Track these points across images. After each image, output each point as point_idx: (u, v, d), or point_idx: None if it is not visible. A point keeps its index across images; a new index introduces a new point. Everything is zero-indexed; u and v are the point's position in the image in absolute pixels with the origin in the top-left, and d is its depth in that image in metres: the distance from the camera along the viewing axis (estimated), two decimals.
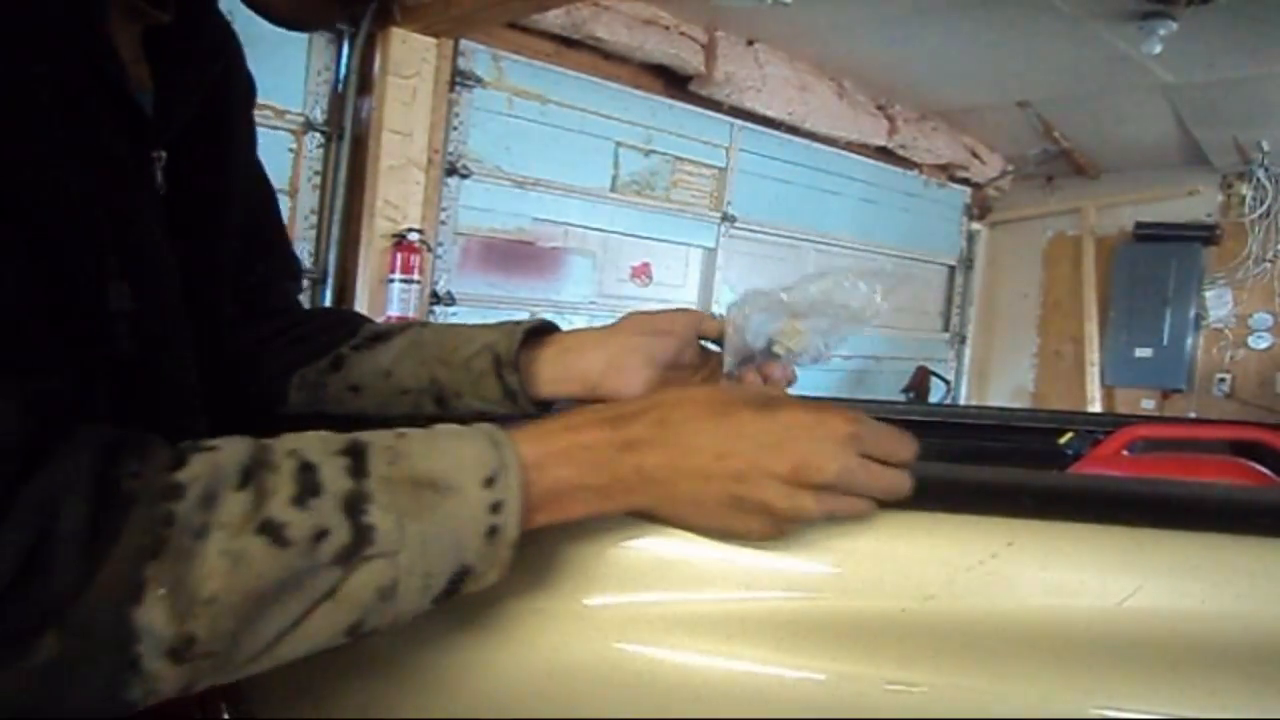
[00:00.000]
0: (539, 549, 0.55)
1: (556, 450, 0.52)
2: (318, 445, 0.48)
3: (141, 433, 0.45)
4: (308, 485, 0.45)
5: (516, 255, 3.79)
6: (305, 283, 3.34)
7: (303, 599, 0.45)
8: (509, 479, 0.49)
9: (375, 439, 0.49)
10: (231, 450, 0.46)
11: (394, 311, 3.27)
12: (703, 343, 0.80)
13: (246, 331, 0.81)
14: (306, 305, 0.92)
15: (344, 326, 0.84)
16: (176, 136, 0.64)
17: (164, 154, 0.63)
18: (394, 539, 0.46)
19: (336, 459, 0.47)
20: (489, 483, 0.49)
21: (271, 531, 0.44)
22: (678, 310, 0.79)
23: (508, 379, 0.77)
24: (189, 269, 0.64)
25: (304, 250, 3.33)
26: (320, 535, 0.45)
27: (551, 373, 0.78)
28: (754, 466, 0.52)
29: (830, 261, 5.17)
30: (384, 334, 0.83)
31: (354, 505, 0.46)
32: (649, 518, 0.54)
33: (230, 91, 0.74)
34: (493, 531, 0.49)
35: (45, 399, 0.45)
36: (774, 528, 0.52)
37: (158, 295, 0.59)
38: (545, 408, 0.80)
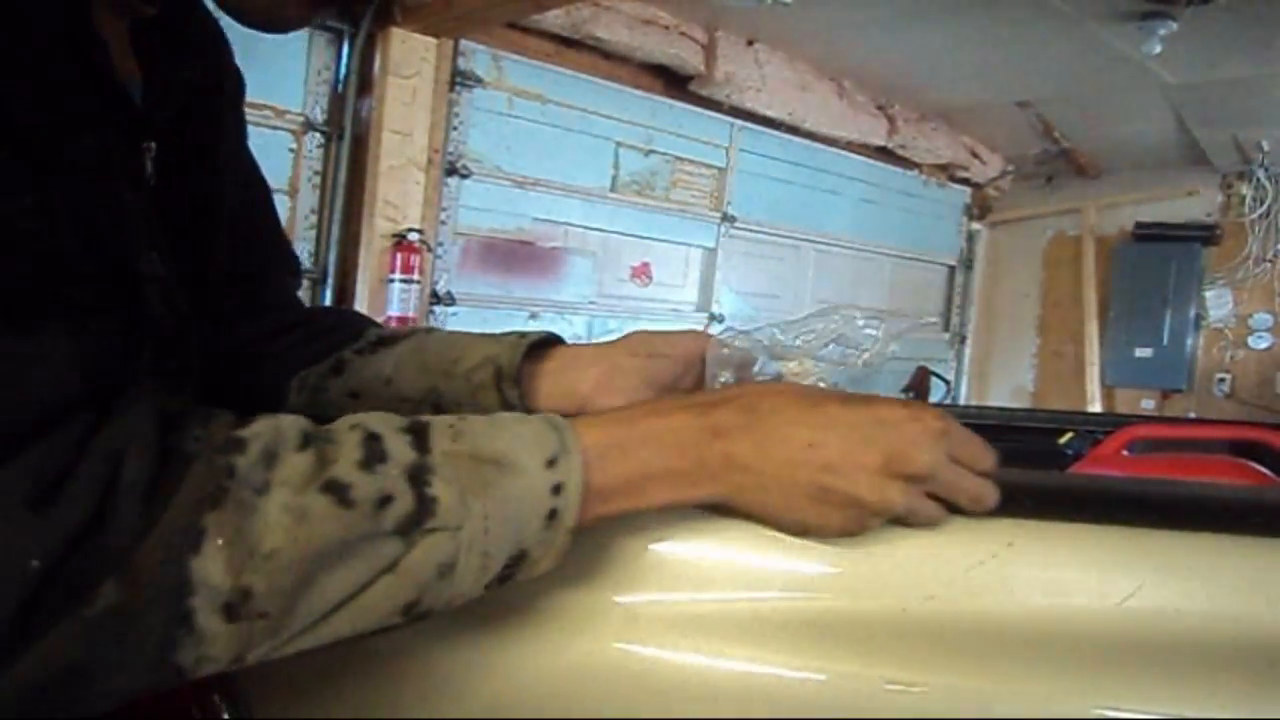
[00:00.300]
0: None
1: (638, 435, 0.52)
2: (380, 420, 0.48)
3: (200, 405, 0.46)
4: (374, 452, 0.45)
5: (516, 255, 3.79)
6: (305, 282, 3.34)
7: (364, 568, 0.44)
8: (570, 462, 0.49)
9: (437, 419, 0.49)
10: (292, 419, 0.46)
11: (394, 311, 3.27)
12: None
13: (245, 324, 0.81)
14: (307, 305, 0.92)
15: (347, 329, 0.84)
16: (165, 129, 0.65)
17: (153, 145, 0.63)
18: (457, 513, 0.46)
19: (399, 433, 0.47)
20: (551, 464, 0.48)
21: (337, 491, 0.44)
22: (683, 332, 0.78)
23: (507, 393, 0.76)
24: (181, 260, 0.65)
25: (304, 250, 3.33)
26: (385, 500, 0.44)
27: (549, 388, 0.78)
28: (845, 457, 0.51)
29: (830, 262, 5.17)
30: (387, 339, 0.82)
31: (417, 476, 0.46)
32: (726, 509, 0.54)
33: (218, 86, 0.74)
34: (552, 515, 0.48)
35: (99, 351, 0.45)
36: (857, 522, 0.52)
37: (141, 280, 0.59)
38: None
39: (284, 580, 0.42)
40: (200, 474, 0.42)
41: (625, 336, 0.79)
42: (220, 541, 0.41)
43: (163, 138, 0.64)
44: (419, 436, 0.47)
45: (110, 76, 0.57)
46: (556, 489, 0.48)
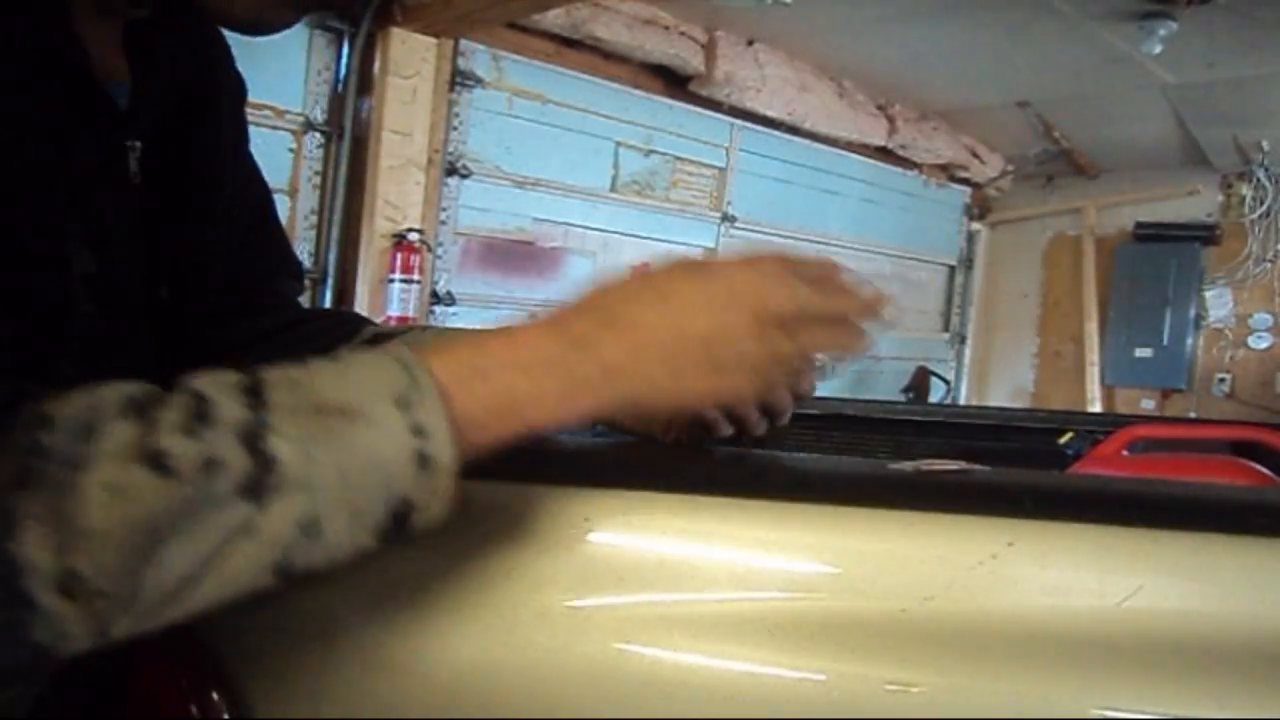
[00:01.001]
0: (538, 548, 0.55)
1: (495, 360, 0.50)
2: (212, 380, 0.46)
3: (40, 386, 0.45)
4: (198, 414, 0.44)
5: (516, 255, 3.79)
6: (305, 283, 3.34)
7: (210, 536, 0.43)
8: (426, 400, 0.47)
9: (275, 372, 0.47)
10: (118, 388, 0.45)
11: (394, 311, 3.27)
12: None
13: (244, 325, 0.81)
14: (307, 306, 0.92)
15: (343, 328, 0.83)
16: (154, 128, 0.65)
17: (138, 144, 0.63)
18: (302, 470, 0.44)
19: (233, 392, 0.45)
20: (402, 405, 0.47)
21: (155, 461, 0.42)
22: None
23: None
24: (168, 257, 0.65)
25: (304, 250, 3.33)
26: (211, 464, 0.43)
27: None
28: (717, 326, 0.52)
29: None
30: (383, 336, 0.82)
31: (251, 435, 0.44)
32: (618, 422, 0.54)
33: (215, 88, 0.74)
34: (423, 458, 0.47)
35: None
36: (760, 380, 0.54)
37: (118, 275, 0.60)
38: None
39: (112, 559, 0.41)
40: (5, 454, 0.41)
41: None
42: (31, 522, 0.40)
43: (152, 138, 0.65)
44: (253, 394, 0.45)
45: (87, 75, 0.58)
46: (417, 430, 0.46)
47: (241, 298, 0.81)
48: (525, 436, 0.51)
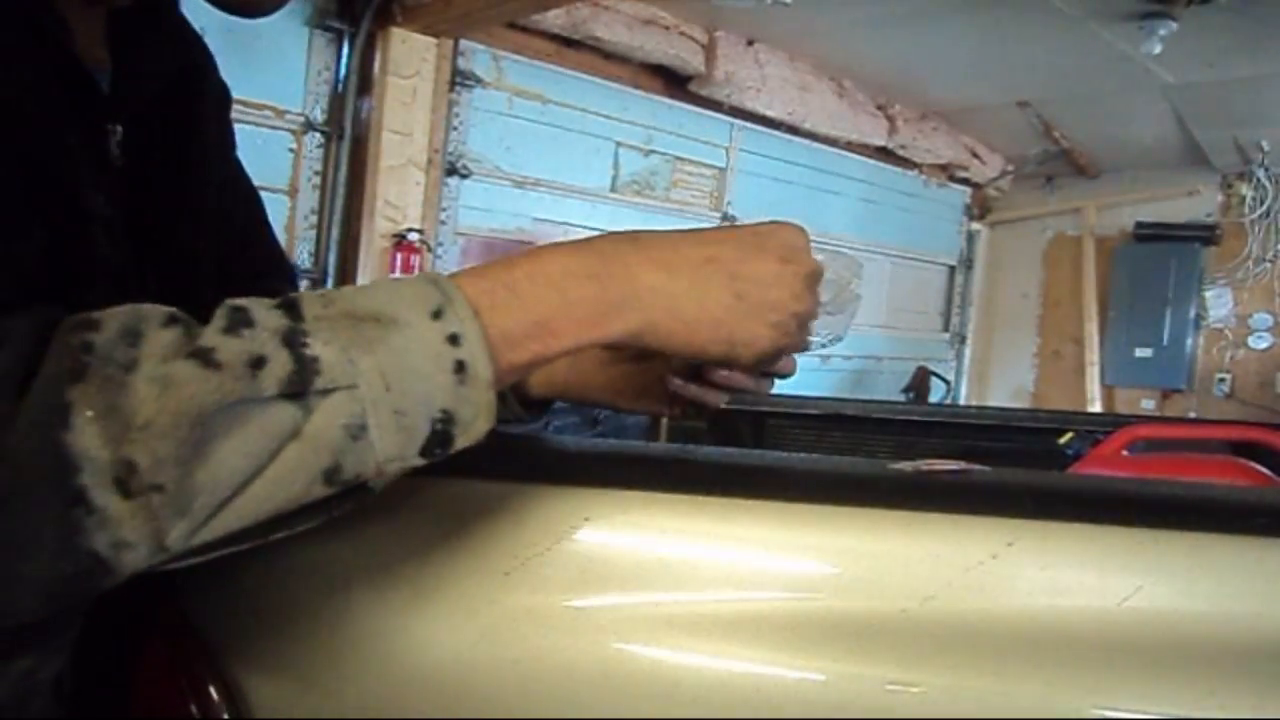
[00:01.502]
0: (538, 548, 0.55)
1: (524, 276, 0.51)
2: (248, 299, 0.47)
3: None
4: (240, 320, 0.45)
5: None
6: (305, 283, 3.34)
7: (259, 435, 0.44)
8: (459, 310, 0.48)
9: (306, 293, 0.49)
10: (158, 306, 0.46)
11: None
12: None
13: None
14: None
15: None
16: (137, 116, 0.66)
17: (119, 129, 0.64)
18: (345, 370, 0.45)
19: (269, 305, 0.47)
20: (437, 315, 0.48)
21: (201, 356, 0.43)
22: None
23: None
24: (155, 248, 0.67)
25: (304, 250, 3.33)
26: (257, 362, 0.44)
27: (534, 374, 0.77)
28: (746, 264, 0.55)
29: (830, 262, 5.16)
30: None
31: (291, 339, 0.45)
32: (641, 344, 0.54)
33: (198, 89, 0.76)
34: (460, 368, 0.47)
35: (16, 263, 0.47)
36: (779, 332, 0.56)
37: (95, 257, 0.61)
38: (539, 408, 0.80)
39: (166, 449, 0.41)
40: (57, 352, 0.42)
41: None
42: (90, 413, 0.41)
43: (134, 125, 0.66)
44: (289, 308, 0.47)
45: (71, 56, 0.59)
46: (453, 339, 0.47)
47: (238, 295, 0.81)
48: (556, 355, 0.52)
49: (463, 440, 0.49)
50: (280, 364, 0.44)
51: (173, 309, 0.46)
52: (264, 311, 0.46)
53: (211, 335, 0.44)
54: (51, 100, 0.57)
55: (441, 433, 0.48)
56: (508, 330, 0.50)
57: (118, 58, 0.67)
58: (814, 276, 0.58)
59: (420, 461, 0.48)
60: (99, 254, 0.56)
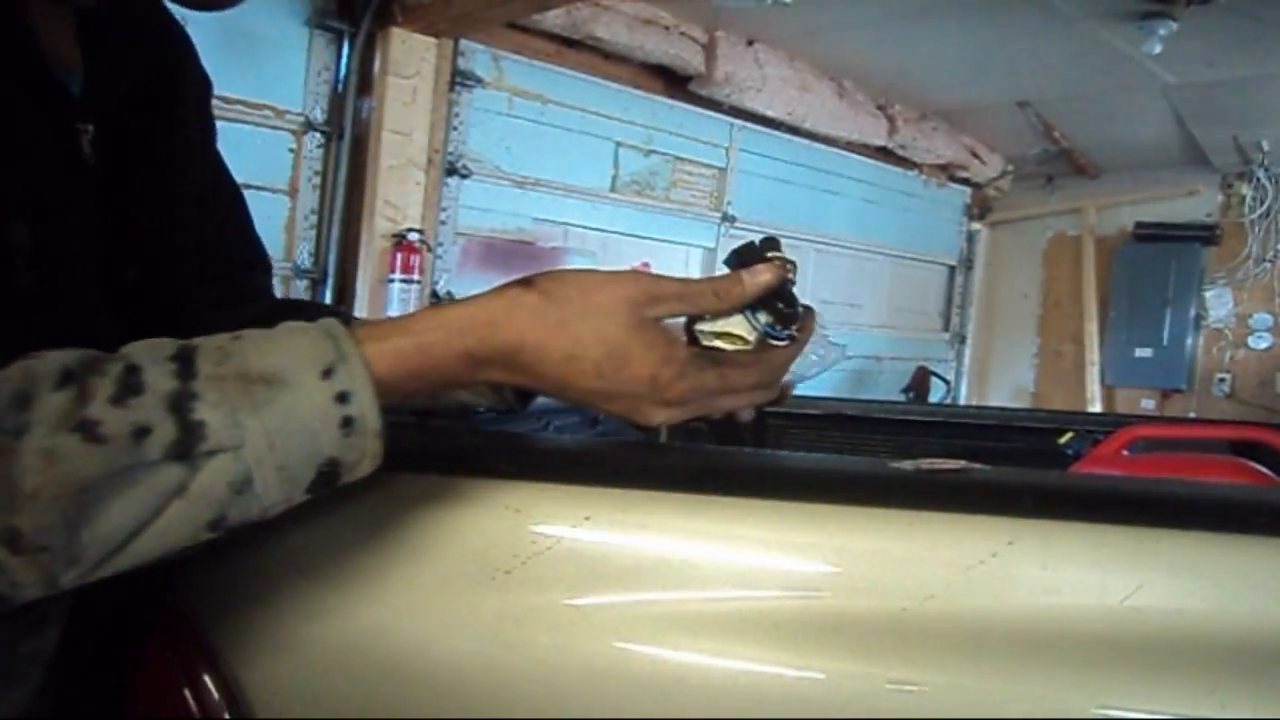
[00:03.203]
0: (538, 547, 0.55)
1: (406, 356, 0.54)
2: (148, 350, 0.50)
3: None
4: (130, 386, 0.47)
5: (516, 255, 3.79)
6: (305, 282, 3.34)
7: (144, 496, 0.47)
8: (351, 369, 0.51)
9: (207, 342, 0.51)
10: (56, 356, 0.48)
11: (394, 311, 3.27)
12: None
13: (230, 313, 0.82)
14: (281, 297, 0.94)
15: (296, 317, 0.83)
16: (111, 114, 0.67)
17: (91, 128, 0.65)
18: (231, 434, 0.48)
19: (165, 363, 0.49)
20: (327, 374, 0.50)
21: (87, 429, 0.46)
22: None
23: None
24: (135, 240, 0.67)
25: (304, 250, 3.33)
26: (141, 432, 0.46)
27: None
28: (588, 402, 0.57)
29: (830, 262, 5.17)
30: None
31: (180, 404, 0.48)
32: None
33: (176, 82, 0.76)
34: (347, 422, 0.51)
35: None
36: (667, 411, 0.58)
37: (65, 251, 0.61)
38: (527, 398, 0.80)
39: (50, 518, 0.45)
40: None
41: None
42: None
43: (109, 123, 0.66)
44: (186, 363, 0.49)
45: (37, 59, 0.60)
46: (342, 397, 0.50)
47: (213, 292, 0.82)
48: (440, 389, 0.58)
49: (347, 479, 0.53)
50: (165, 432, 0.47)
51: (68, 362, 0.48)
52: (156, 371, 0.48)
53: (99, 406, 0.46)
54: (3, 113, 0.57)
55: (328, 474, 0.51)
56: (403, 375, 0.54)
57: (90, 57, 0.67)
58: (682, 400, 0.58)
59: (306, 498, 0.52)
60: (15, 281, 0.57)
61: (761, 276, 0.61)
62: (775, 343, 0.62)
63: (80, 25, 0.67)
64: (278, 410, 0.49)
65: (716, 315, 0.61)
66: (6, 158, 0.57)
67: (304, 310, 0.87)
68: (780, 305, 0.62)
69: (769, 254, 0.62)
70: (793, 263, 0.63)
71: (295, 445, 0.50)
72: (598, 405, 0.57)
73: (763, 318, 0.62)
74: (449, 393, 0.80)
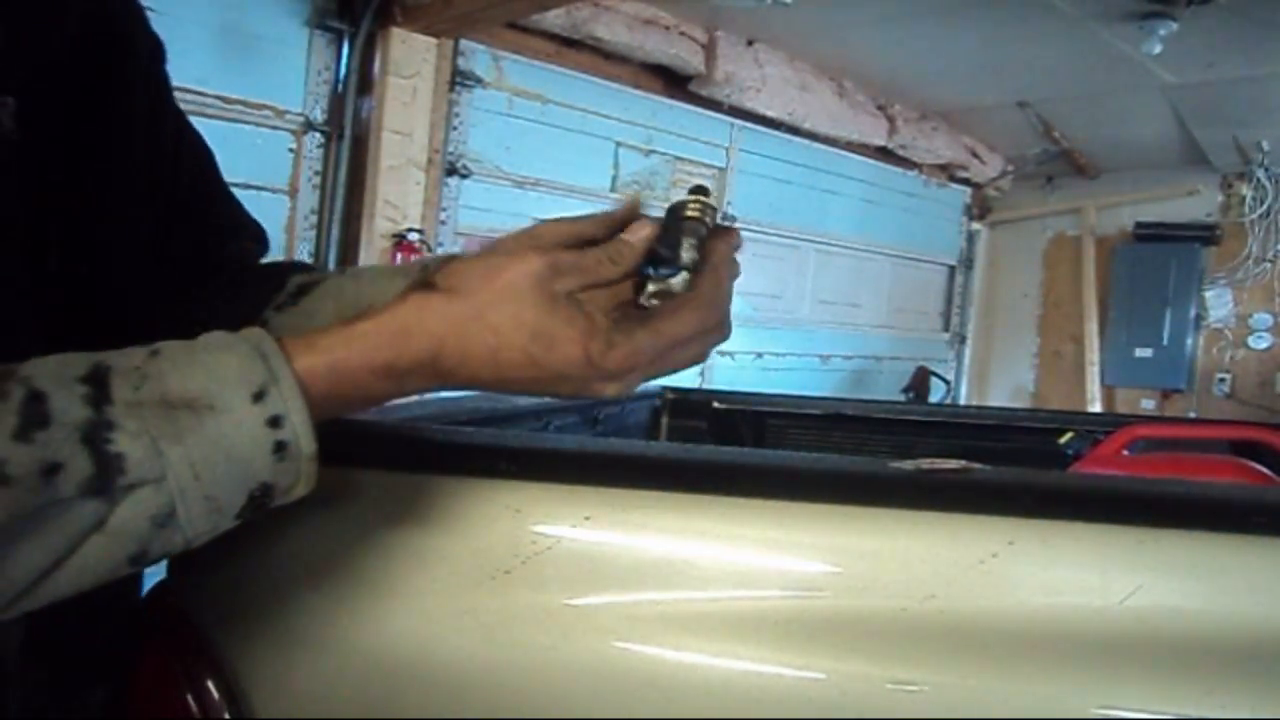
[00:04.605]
0: (538, 547, 0.55)
1: (333, 369, 0.50)
2: (53, 372, 0.45)
3: None
4: (34, 417, 0.43)
5: None
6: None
7: (58, 535, 0.44)
8: (282, 391, 0.47)
9: (123, 360, 0.47)
10: None
11: None
12: None
13: (196, 293, 0.76)
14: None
15: (272, 281, 0.77)
16: (35, 84, 0.62)
17: (11, 100, 0.60)
18: (152, 465, 0.45)
19: (74, 386, 0.45)
20: (258, 397, 0.47)
21: None
22: (520, 230, 0.66)
23: None
24: (59, 225, 0.63)
25: (304, 250, 3.33)
26: (51, 469, 0.43)
27: None
28: (532, 392, 0.53)
29: (830, 262, 5.17)
30: (306, 286, 0.76)
31: (93, 435, 0.44)
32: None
33: (115, 47, 0.70)
34: (280, 447, 0.47)
35: None
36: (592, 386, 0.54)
37: None
38: None
39: None
40: None
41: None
42: None
43: (30, 93, 0.61)
44: (99, 386, 0.45)
45: None
46: (275, 421, 0.47)
47: (192, 267, 0.77)
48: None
49: (279, 502, 0.50)
50: (79, 468, 0.43)
51: None
52: (64, 398, 0.44)
53: (2, 442, 0.42)
54: None
55: (259, 499, 0.49)
56: (333, 395, 0.50)
57: (6, 23, 0.61)
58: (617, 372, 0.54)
59: (235, 524, 0.49)
60: None
61: (640, 232, 0.59)
62: (671, 282, 0.59)
63: None
64: (204, 437, 0.46)
65: (622, 279, 0.59)
66: None
67: (260, 275, 0.79)
68: (664, 250, 0.59)
69: (689, 200, 0.60)
70: (704, 204, 0.60)
71: (224, 474, 0.46)
72: (545, 392, 0.54)
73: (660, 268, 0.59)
74: None
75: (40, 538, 0.43)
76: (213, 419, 0.46)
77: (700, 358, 0.58)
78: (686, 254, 0.59)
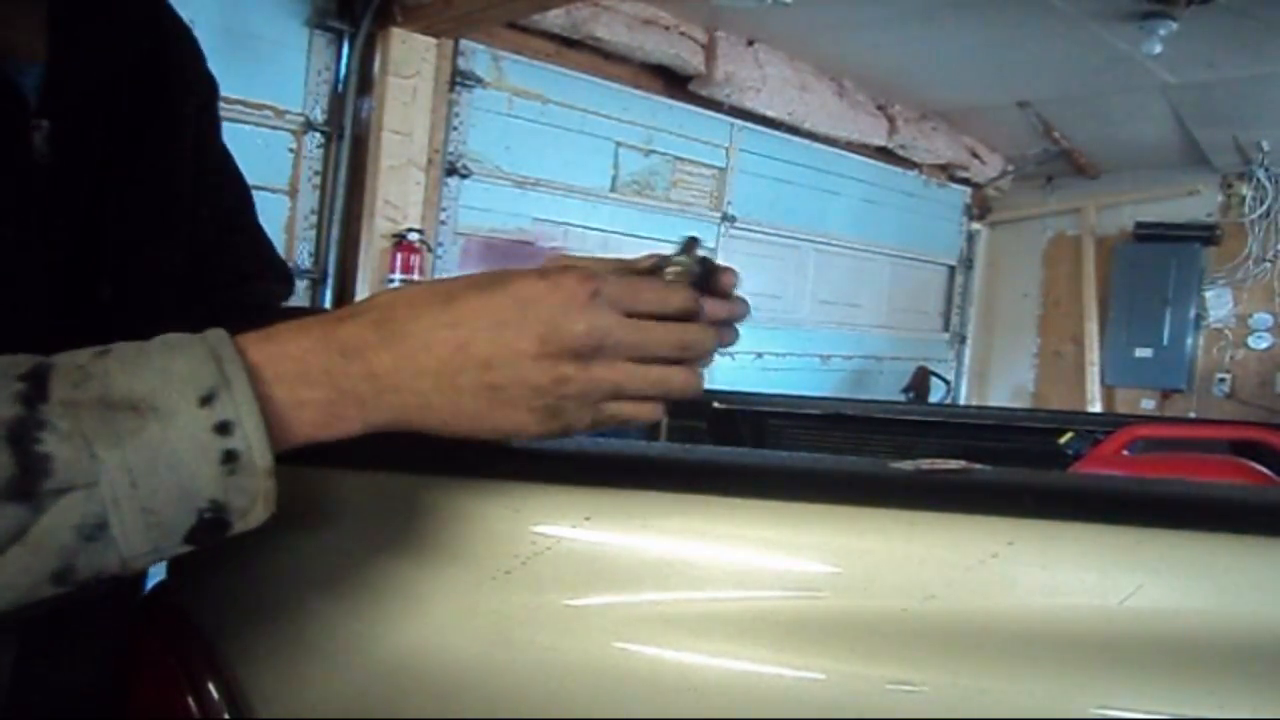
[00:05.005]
0: (538, 547, 0.55)
1: (269, 372, 0.46)
2: None
3: None
4: None
5: (516, 255, 3.79)
6: (305, 282, 3.34)
7: None
8: (234, 395, 0.44)
9: (67, 359, 0.44)
10: None
11: None
12: None
13: (225, 327, 0.78)
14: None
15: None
16: (77, 108, 0.63)
17: (46, 123, 0.61)
18: (83, 468, 0.41)
19: (10, 384, 0.42)
20: (206, 400, 0.43)
21: None
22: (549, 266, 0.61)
23: None
24: (110, 254, 0.63)
25: (304, 250, 3.33)
26: None
27: None
28: (499, 348, 0.47)
29: (830, 262, 5.17)
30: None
31: (20, 434, 0.41)
32: (405, 433, 0.49)
33: (169, 81, 0.71)
34: (230, 457, 0.43)
35: None
36: (548, 416, 0.49)
37: (16, 258, 0.58)
38: None
39: None
40: None
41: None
42: None
43: (70, 118, 0.62)
44: (36, 384, 0.42)
45: None
46: (223, 427, 0.43)
47: (215, 301, 0.78)
48: (299, 447, 0.48)
49: (240, 527, 0.45)
50: (2, 467, 0.40)
51: None
52: None
53: None
54: None
55: (212, 520, 0.44)
56: (290, 414, 0.46)
57: (56, 48, 0.62)
58: (592, 348, 0.48)
59: (187, 549, 0.45)
60: None
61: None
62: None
63: (52, 13, 0.63)
64: (143, 442, 0.42)
65: None
66: None
67: (273, 316, 0.82)
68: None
69: (671, 261, 0.56)
70: (685, 266, 0.56)
71: (164, 484, 0.42)
72: (509, 345, 0.47)
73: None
74: None
75: None
76: (155, 421, 0.43)
77: (661, 392, 0.51)
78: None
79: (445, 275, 3.53)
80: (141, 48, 0.69)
